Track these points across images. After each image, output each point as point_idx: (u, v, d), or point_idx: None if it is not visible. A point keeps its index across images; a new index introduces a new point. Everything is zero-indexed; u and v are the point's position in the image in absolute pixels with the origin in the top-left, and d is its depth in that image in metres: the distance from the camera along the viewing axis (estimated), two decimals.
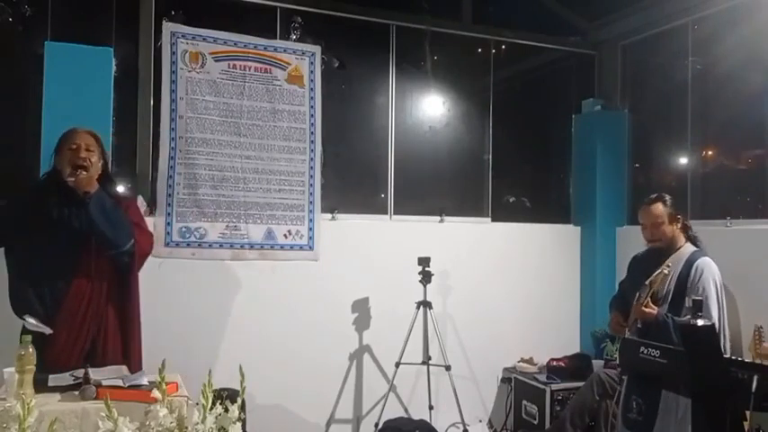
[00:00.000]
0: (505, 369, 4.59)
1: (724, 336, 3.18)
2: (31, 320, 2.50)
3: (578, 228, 4.94)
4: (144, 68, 3.78)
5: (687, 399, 2.60)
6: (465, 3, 4.71)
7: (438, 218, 4.54)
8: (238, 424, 1.62)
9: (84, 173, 2.61)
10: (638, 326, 3.20)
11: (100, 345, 2.64)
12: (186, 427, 1.57)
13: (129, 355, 2.73)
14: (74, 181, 2.60)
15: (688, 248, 3.28)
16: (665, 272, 3.11)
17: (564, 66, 5.20)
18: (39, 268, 2.61)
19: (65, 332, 2.57)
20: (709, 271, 3.15)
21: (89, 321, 2.63)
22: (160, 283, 3.35)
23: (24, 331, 2.47)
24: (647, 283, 3.13)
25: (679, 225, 3.31)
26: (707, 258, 3.20)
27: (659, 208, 3.29)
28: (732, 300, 3.54)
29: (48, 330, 2.51)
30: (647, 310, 3.11)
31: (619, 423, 3.06)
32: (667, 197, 3.34)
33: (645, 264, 3.36)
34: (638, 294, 3.19)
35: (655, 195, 3.38)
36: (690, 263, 3.19)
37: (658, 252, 3.30)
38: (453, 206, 4.62)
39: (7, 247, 2.66)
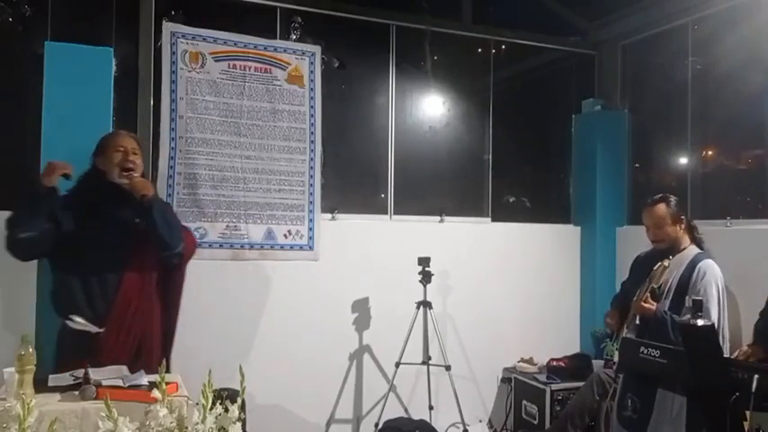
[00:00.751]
0: (505, 369, 4.59)
1: (723, 338, 3.18)
2: (79, 320, 2.56)
3: (578, 228, 4.94)
4: (144, 68, 3.77)
5: (682, 397, 2.61)
6: (465, 3, 4.71)
7: (438, 218, 4.54)
8: (238, 424, 1.62)
9: (136, 175, 2.67)
10: (637, 323, 3.20)
11: (147, 342, 2.68)
12: (186, 427, 1.57)
13: (168, 352, 2.82)
14: (129, 183, 2.65)
15: (692, 250, 3.28)
16: (666, 264, 3.11)
17: (564, 66, 5.20)
18: (89, 268, 2.63)
19: (115, 330, 2.60)
20: (712, 273, 3.15)
21: (138, 319, 2.67)
22: None
23: (68, 331, 2.58)
24: (647, 279, 3.14)
25: (683, 226, 3.30)
26: (710, 261, 3.20)
27: (662, 209, 3.28)
28: (733, 300, 3.54)
29: (94, 329, 2.56)
30: (645, 305, 3.11)
31: (614, 421, 3.06)
32: (672, 198, 3.33)
33: (647, 264, 3.36)
34: (638, 291, 3.19)
35: (659, 196, 3.36)
36: (693, 264, 3.19)
37: (662, 253, 3.30)
38: (453, 206, 4.61)
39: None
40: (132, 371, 2.33)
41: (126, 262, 2.66)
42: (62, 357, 2.57)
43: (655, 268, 3.13)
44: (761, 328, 3.07)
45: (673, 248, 3.29)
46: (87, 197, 2.70)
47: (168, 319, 2.87)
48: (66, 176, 2.62)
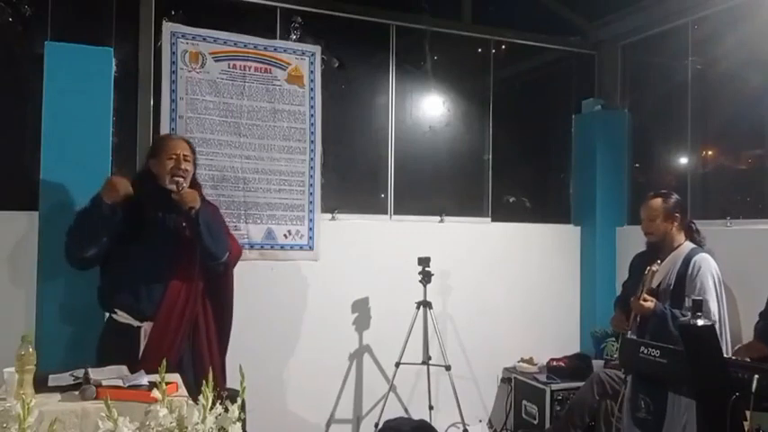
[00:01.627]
0: (505, 369, 4.59)
1: (725, 330, 3.18)
2: (121, 313, 2.65)
3: (578, 227, 4.94)
4: (144, 68, 3.77)
5: (689, 400, 2.60)
6: (465, 3, 4.71)
7: (438, 218, 4.53)
8: (238, 424, 1.62)
9: (185, 185, 2.70)
10: (637, 321, 3.21)
11: (198, 347, 2.74)
12: (186, 427, 1.57)
13: (223, 353, 2.90)
14: (177, 194, 2.68)
15: (686, 246, 3.29)
16: (654, 269, 3.13)
17: (564, 66, 5.20)
18: (136, 269, 2.67)
19: (160, 331, 2.64)
20: (707, 266, 3.16)
21: (186, 323, 2.71)
22: None
23: (111, 328, 2.68)
24: (641, 283, 3.14)
25: (675, 224, 3.30)
26: (704, 254, 3.21)
27: (657, 203, 3.30)
28: (733, 300, 3.54)
29: (136, 323, 2.63)
30: (644, 304, 3.11)
31: (626, 422, 3.05)
32: (672, 196, 3.33)
33: (644, 263, 3.37)
34: (637, 291, 3.20)
35: (660, 191, 3.39)
36: (688, 259, 3.20)
37: (656, 250, 3.31)
38: (453, 206, 4.61)
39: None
40: (185, 378, 2.37)
41: (173, 266, 2.70)
42: (103, 356, 2.60)
43: (645, 273, 3.14)
44: (761, 330, 3.07)
45: (664, 245, 3.30)
46: (139, 200, 2.73)
47: (222, 324, 2.92)
48: (128, 198, 2.67)
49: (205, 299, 2.83)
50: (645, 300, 3.12)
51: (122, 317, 2.66)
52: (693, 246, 3.28)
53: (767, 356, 2.93)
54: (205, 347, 2.77)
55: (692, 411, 2.51)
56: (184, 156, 2.78)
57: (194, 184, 2.88)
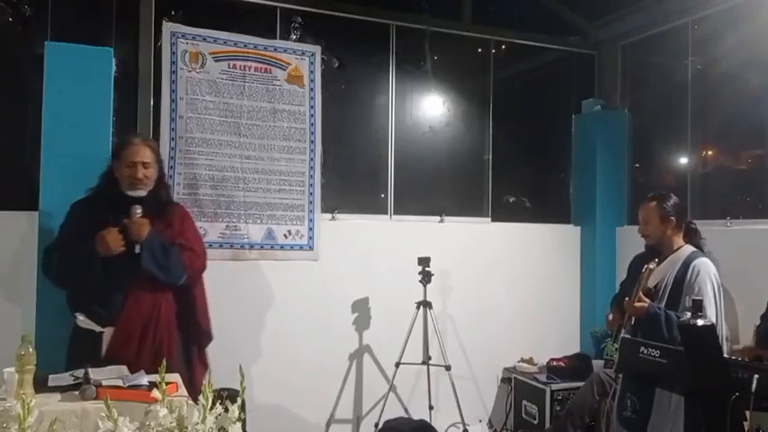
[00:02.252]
0: (505, 369, 4.59)
1: (721, 336, 3.17)
2: (81, 317, 2.63)
3: (578, 228, 4.94)
4: (144, 68, 3.77)
5: (680, 397, 2.60)
6: (465, 3, 4.71)
7: (438, 218, 4.53)
8: (238, 424, 1.62)
9: (138, 213, 2.65)
10: (632, 323, 3.21)
11: (166, 354, 2.65)
12: (186, 427, 1.57)
13: (192, 358, 2.85)
14: (128, 222, 2.64)
15: (686, 249, 3.27)
16: (651, 267, 3.11)
17: (564, 66, 5.20)
18: (97, 272, 2.63)
19: (123, 335, 2.63)
20: (706, 271, 3.14)
21: (153, 329, 2.69)
22: None
23: (77, 331, 2.67)
24: (637, 282, 3.14)
25: (672, 227, 3.28)
26: (704, 259, 3.19)
27: (652, 206, 3.28)
28: (732, 300, 3.54)
29: (98, 329, 2.62)
30: (637, 304, 3.10)
31: (614, 421, 3.06)
32: (670, 199, 3.29)
33: (642, 263, 3.36)
34: (633, 292, 3.19)
35: (658, 193, 3.35)
36: (687, 263, 3.18)
37: (655, 252, 3.30)
38: (453, 206, 4.61)
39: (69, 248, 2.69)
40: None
41: (134, 272, 2.67)
42: (71, 360, 2.61)
43: (642, 271, 3.13)
44: (762, 332, 3.07)
45: (662, 247, 3.28)
46: (102, 205, 2.72)
47: (188, 333, 2.88)
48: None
49: (176, 305, 2.82)
50: (639, 300, 3.12)
51: (84, 322, 2.64)
52: (693, 249, 3.27)
53: (760, 356, 2.94)
54: (165, 352, 2.69)
55: (681, 408, 2.52)
56: (143, 163, 2.72)
57: (161, 186, 2.84)
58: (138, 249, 2.65)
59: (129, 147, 2.75)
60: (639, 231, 3.36)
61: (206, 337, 2.99)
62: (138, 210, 2.66)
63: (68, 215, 2.78)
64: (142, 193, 2.73)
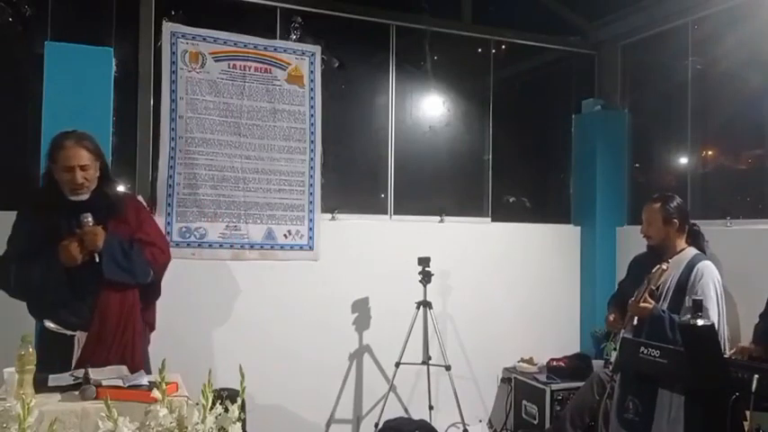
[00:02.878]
0: (505, 369, 4.59)
1: (722, 339, 3.17)
2: (51, 324, 2.57)
3: (578, 228, 4.94)
4: (144, 68, 3.78)
5: (680, 397, 2.61)
6: (465, 3, 4.71)
7: (438, 218, 4.54)
8: (238, 424, 1.62)
9: (89, 221, 2.55)
10: (634, 323, 3.20)
11: (128, 354, 2.63)
12: (186, 427, 1.57)
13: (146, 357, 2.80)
14: (81, 233, 2.54)
15: (690, 252, 3.27)
16: (664, 267, 3.10)
17: (564, 66, 5.20)
18: (60, 279, 2.58)
19: (94, 338, 2.59)
20: (710, 274, 3.14)
21: (122, 329, 2.64)
22: None
23: (45, 336, 2.59)
24: (645, 281, 3.13)
25: (674, 229, 3.28)
26: (708, 262, 3.19)
27: (656, 208, 3.28)
28: (732, 300, 3.54)
29: (68, 333, 2.57)
30: (642, 305, 3.10)
31: (614, 423, 3.05)
32: (674, 201, 3.29)
33: (644, 264, 3.36)
34: (636, 292, 3.19)
35: (662, 195, 3.35)
36: (691, 266, 3.18)
37: (658, 253, 3.30)
38: (453, 206, 4.62)
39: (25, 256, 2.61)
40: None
41: (100, 276, 2.59)
42: (41, 364, 2.53)
43: (654, 270, 3.12)
44: (761, 330, 3.06)
45: (663, 249, 3.28)
46: (50, 210, 2.63)
47: (148, 323, 2.86)
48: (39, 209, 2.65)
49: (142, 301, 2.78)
50: (645, 302, 3.11)
51: (53, 327, 2.58)
52: (697, 252, 3.26)
53: (758, 357, 2.94)
54: (131, 350, 2.67)
55: (681, 409, 2.52)
56: (81, 166, 2.57)
57: (107, 182, 2.72)
58: (97, 258, 2.57)
59: (61, 150, 2.58)
60: (642, 232, 3.36)
61: (152, 327, 2.94)
62: (89, 218, 2.55)
63: (18, 223, 2.69)
64: (84, 197, 2.61)
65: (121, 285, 2.64)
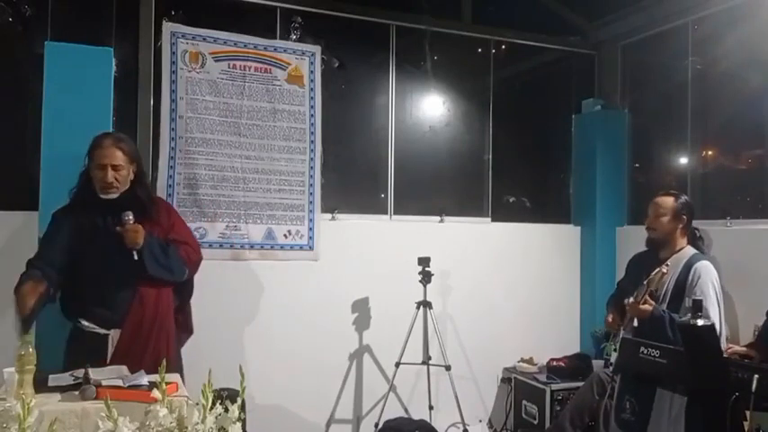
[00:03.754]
0: (505, 369, 4.59)
1: (721, 339, 3.17)
2: (86, 323, 2.62)
3: (578, 228, 4.94)
4: (144, 68, 3.77)
5: (682, 397, 2.60)
6: (465, 3, 4.71)
7: (438, 218, 4.53)
8: (238, 424, 1.62)
9: (130, 219, 2.61)
10: (635, 324, 3.20)
11: (164, 349, 2.67)
12: (186, 427, 1.57)
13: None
14: (122, 231, 2.60)
15: (688, 251, 3.27)
16: (664, 270, 3.10)
17: (564, 66, 5.19)
18: (97, 277, 2.63)
19: (128, 338, 2.62)
20: (708, 274, 3.14)
21: (157, 327, 2.68)
22: None
23: (77, 335, 2.65)
24: (645, 282, 3.13)
25: (681, 226, 3.29)
26: (706, 261, 3.20)
27: (668, 201, 3.30)
28: (732, 300, 3.54)
29: (102, 332, 2.61)
30: (642, 307, 3.10)
31: (612, 423, 3.05)
32: (684, 197, 3.34)
33: (643, 264, 3.36)
34: (635, 293, 3.19)
35: (674, 191, 3.39)
36: (689, 265, 3.18)
37: (657, 253, 3.30)
38: (453, 206, 4.61)
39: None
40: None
41: (137, 272, 2.64)
42: (70, 362, 2.55)
43: (653, 273, 3.12)
44: (765, 333, 3.06)
45: (664, 244, 3.28)
46: (84, 208, 2.69)
47: (179, 326, 2.91)
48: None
49: (175, 301, 2.84)
50: (645, 303, 3.11)
51: (88, 326, 2.63)
52: (695, 251, 3.27)
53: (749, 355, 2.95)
54: (164, 350, 2.69)
55: (683, 410, 2.52)
56: (113, 166, 2.65)
57: (140, 185, 2.79)
58: (135, 256, 2.62)
59: (98, 149, 2.67)
60: (647, 223, 3.36)
61: (190, 330, 3.02)
62: (130, 216, 2.61)
63: (53, 225, 2.73)
64: (113, 195, 2.67)
65: (159, 283, 2.69)
